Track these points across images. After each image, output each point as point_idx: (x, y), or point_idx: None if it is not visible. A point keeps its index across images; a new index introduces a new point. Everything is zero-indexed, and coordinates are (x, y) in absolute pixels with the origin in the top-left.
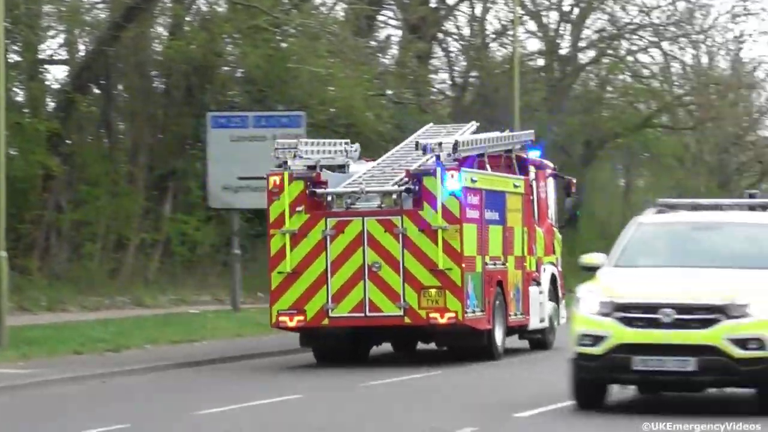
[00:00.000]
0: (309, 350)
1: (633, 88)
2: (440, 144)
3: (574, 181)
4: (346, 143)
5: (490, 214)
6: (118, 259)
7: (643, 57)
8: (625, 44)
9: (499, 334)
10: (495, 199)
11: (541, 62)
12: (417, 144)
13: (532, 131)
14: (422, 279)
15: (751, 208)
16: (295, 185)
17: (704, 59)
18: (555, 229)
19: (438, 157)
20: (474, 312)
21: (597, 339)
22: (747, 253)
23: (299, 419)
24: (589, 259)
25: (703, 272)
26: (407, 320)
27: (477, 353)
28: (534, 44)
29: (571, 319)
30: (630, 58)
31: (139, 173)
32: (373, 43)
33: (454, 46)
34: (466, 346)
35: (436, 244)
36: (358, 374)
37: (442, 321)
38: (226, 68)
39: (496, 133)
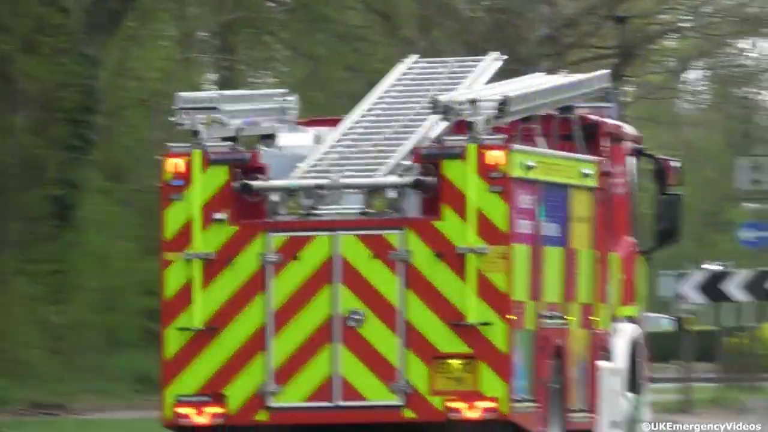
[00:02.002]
0: None
1: None
2: (474, 102)
3: (678, 165)
4: (282, 94)
5: (547, 228)
6: None
7: None
8: None
9: None
10: (555, 200)
11: None
12: (435, 103)
13: (607, 72)
14: (437, 341)
15: None
16: (213, 174)
17: None
18: (638, 254)
19: (470, 125)
20: (523, 402)
21: None
22: None
23: None
24: None
25: None
26: (409, 414)
27: None
28: None
29: None
30: None
31: None
32: None
33: None
34: None
35: (464, 279)
36: None
37: (472, 415)
38: None
39: (560, 77)
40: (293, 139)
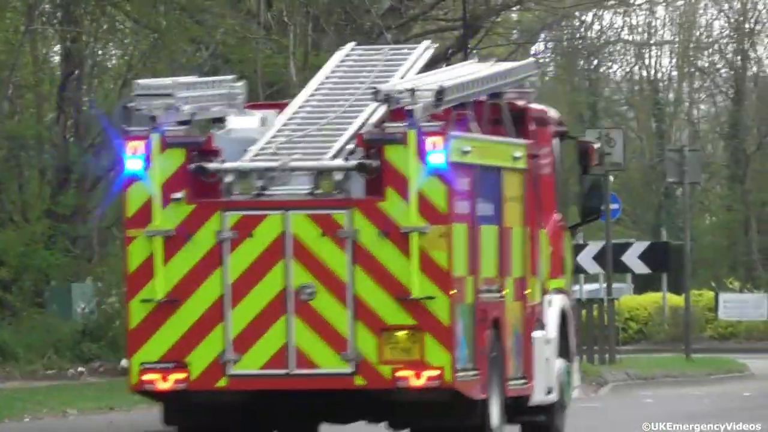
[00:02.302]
0: None
1: None
2: (413, 91)
3: (596, 146)
4: (231, 80)
5: (482, 207)
6: None
7: None
8: None
9: (496, 409)
10: (489, 182)
11: None
12: (376, 92)
13: (534, 60)
14: (385, 314)
15: None
16: (171, 156)
17: None
18: (564, 230)
19: (410, 113)
20: (465, 370)
21: None
22: None
23: None
24: None
25: None
26: (359, 381)
27: None
28: None
29: None
30: None
31: None
32: None
33: None
34: (447, 427)
35: (408, 256)
36: None
37: (419, 383)
38: None
39: (489, 65)
40: (241, 123)
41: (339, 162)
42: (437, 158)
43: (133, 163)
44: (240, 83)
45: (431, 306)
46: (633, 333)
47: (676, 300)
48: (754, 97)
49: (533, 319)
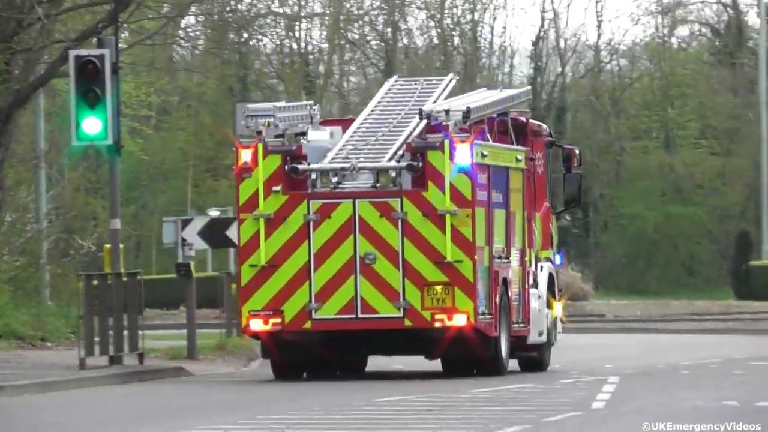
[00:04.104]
0: None
1: None
2: (447, 111)
3: (577, 151)
4: (310, 104)
5: (495, 196)
6: None
7: None
8: None
9: (504, 345)
10: (500, 177)
11: None
12: (421, 112)
13: (529, 88)
14: (426, 274)
15: None
16: (271, 160)
17: None
18: (552, 214)
19: (445, 127)
20: (484, 314)
21: None
22: None
23: None
24: None
25: None
26: (408, 323)
27: (480, 366)
28: None
29: None
30: None
31: None
32: None
33: None
34: (470, 356)
35: (444, 231)
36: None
37: (451, 323)
38: None
39: (498, 92)
40: (317, 135)
41: (393, 163)
42: (464, 160)
43: (245, 165)
44: (316, 106)
45: (460, 267)
46: None
47: None
48: (404, 68)
49: (529, 279)
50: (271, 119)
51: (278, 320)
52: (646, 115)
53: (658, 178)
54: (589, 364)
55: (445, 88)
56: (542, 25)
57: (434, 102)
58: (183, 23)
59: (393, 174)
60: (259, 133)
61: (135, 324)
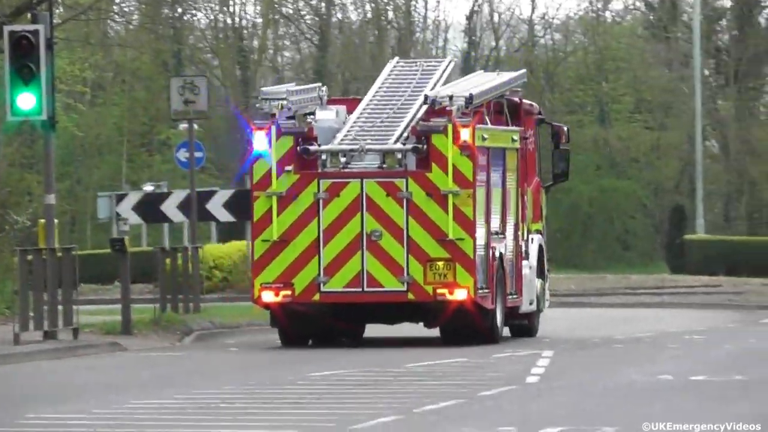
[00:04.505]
0: None
1: None
2: (451, 97)
3: (566, 128)
4: (319, 86)
5: (493, 176)
6: None
7: None
8: None
9: (499, 316)
10: (497, 158)
11: None
12: (426, 97)
13: (525, 71)
14: (429, 250)
15: None
16: (284, 141)
17: None
18: (542, 188)
19: (449, 112)
20: (482, 288)
21: None
22: None
23: None
24: None
25: None
26: (411, 296)
27: (478, 336)
28: None
29: None
30: None
31: None
32: None
33: None
34: (469, 328)
35: (446, 210)
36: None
37: (452, 298)
38: None
39: (496, 74)
40: (324, 115)
41: (399, 145)
42: (466, 143)
43: (258, 146)
44: (324, 87)
45: (461, 245)
46: (217, 282)
47: None
48: (339, 43)
49: (521, 252)
50: (284, 102)
51: (288, 292)
52: (580, 89)
53: (593, 152)
54: (524, 338)
55: (444, 71)
56: None
57: (434, 85)
58: None
59: (399, 155)
60: (273, 115)
61: (70, 299)
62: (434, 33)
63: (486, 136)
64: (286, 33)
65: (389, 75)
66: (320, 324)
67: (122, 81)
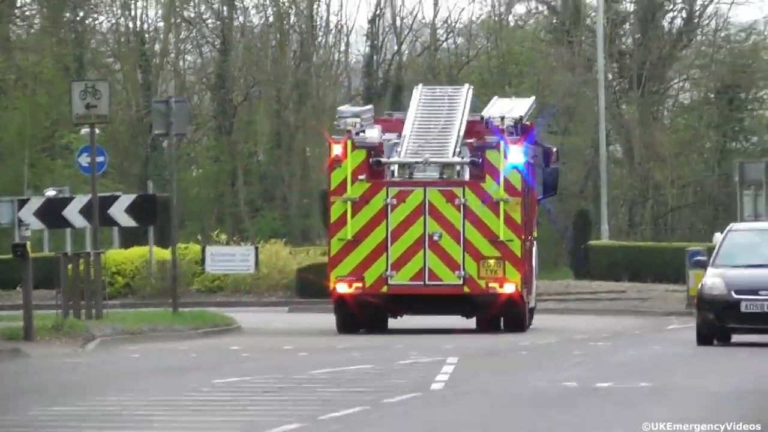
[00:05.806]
0: None
1: None
2: (503, 118)
3: (554, 149)
4: (371, 108)
5: (531, 187)
6: None
7: None
8: None
9: (528, 308)
10: (531, 171)
11: None
12: (481, 118)
13: (534, 97)
14: (482, 249)
15: None
16: (358, 154)
17: None
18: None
19: (500, 131)
20: (523, 284)
21: None
22: None
23: None
24: None
25: None
26: (466, 289)
27: (515, 324)
28: None
29: None
30: None
31: None
32: None
33: None
34: (515, 318)
35: (498, 215)
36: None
37: (502, 291)
38: None
39: (510, 100)
40: (371, 132)
41: (458, 159)
42: (516, 158)
43: (336, 157)
44: (371, 107)
45: (510, 245)
46: (120, 287)
47: (164, 253)
48: (241, 47)
49: (532, 255)
50: (357, 119)
51: (360, 284)
52: (484, 93)
53: None
54: (428, 344)
55: (466, 97)
56: (378, 3)
57: (463, 108)
58: (18, 2)
59: (458, 168)
60: (349, 131)
61: None
62: (336, 37)
63: (531, 153)
64: (188, 37)
65: (420, 100)
66: (381, 318)
67: (24, 85)
